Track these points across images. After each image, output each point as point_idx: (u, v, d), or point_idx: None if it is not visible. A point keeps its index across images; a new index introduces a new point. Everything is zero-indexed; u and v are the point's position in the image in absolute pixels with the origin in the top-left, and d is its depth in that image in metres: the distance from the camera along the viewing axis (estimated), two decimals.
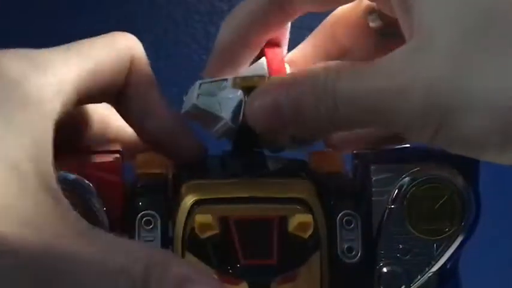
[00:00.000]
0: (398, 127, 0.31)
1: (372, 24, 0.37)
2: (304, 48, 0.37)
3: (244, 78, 0.34)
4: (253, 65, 0.35)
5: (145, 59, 0.35)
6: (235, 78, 0.34)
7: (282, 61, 0.36)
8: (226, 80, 0.34)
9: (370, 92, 0.30)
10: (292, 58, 0.37)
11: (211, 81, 0.35)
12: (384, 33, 0.37)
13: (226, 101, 0.34)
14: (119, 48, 0.34)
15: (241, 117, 0.34)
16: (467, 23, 0.29)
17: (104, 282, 0.28)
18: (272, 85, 0.32)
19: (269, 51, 0.36)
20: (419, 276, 0.35)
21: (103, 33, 0.35)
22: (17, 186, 0.28)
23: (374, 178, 0.36)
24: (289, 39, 0.38)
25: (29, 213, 0.28)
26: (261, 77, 0.34)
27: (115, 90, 0.34)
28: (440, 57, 0.29)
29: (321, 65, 0.32)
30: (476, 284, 0.39)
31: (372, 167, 0.36)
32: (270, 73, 0.35)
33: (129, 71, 0.34)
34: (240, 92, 0.34)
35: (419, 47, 0.29)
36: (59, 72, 0.31)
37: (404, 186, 0.35)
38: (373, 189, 0.35)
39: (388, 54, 0.30)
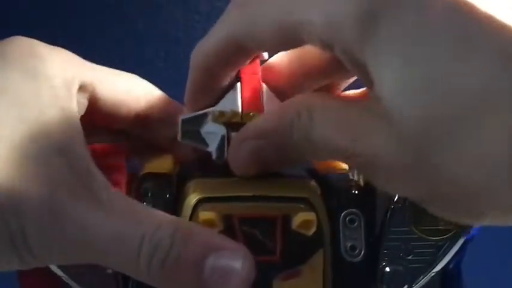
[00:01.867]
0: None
1: None
2: (280, 59, 0.37)
3: (221, 113, 0.35)
4: (229, 93, 0.36)
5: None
6: (214, 112, 0.35)
7: (258, 85, 0.36)
8: (206, 114, 0.35)
9: (341, 153, 0.30)
10: (270, 68, 0.37)
11: (193, 116, 0.35)
12: None
13: (210, 136, 0.35)
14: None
15: (226, 154, 0.35)
16: (428, 102, 0.27)
17: (125, 245, 0.29)
18: (249, 133, 0.33)
19: (244, 76, 0.36)
20: (422, 276, 0.35)
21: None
22: (40, 154, 0.30)
23: None
24: None
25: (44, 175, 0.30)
26: (235, 112, 0.35)
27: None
28: (402, 137, 0.27)
29: (293, 102, 0.32)
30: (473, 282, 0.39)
31: None
32: (243, 105, 0.35)
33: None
34: (222, 128, 0.35)
35: (380, 116, 0.28)
36: (78, 62, 0.34)
37: None
38: (376, 189, 0.35)
39: (355, 106, 0.30)
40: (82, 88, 0.33)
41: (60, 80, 0.32)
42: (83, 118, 0.33)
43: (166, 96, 0.38)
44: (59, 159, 0.30)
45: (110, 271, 0.33)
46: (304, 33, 0.30)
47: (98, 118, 0.35)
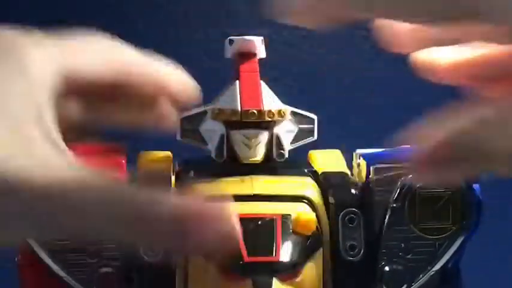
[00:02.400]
0: None
1: None
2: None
3: (221, 110, 0.35)
4: (228, 91, 0.36)
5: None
6: (213, 109, 0.35)
7: (257, 82, 0.36)
8: (205, 112, 0.35)
9: None
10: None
11: (192, 115, 0.35)
12: None
13: (209, 133, 0.35)
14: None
15: (225, 152, 0.35)
16: None
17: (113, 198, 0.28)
18: None
19: (243, 74, 0.36)
20: (421, 275, 0.35)
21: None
22: (24, 147, 0.29)
23: (376, 177, 0.36)
24: None
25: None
26: (235, 110, 0.35)
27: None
28: None
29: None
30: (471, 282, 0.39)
31: (374, 167, 0.36)
32: (242, 103, 0.35)
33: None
34: (221, 126, 0.35)
35: None
36: (55, 53, 0.33)
37: (406, 186, 0.35)
38: (376, 189, 0.35)
39: None
40: (62, 75, 0.33)
41: (39, 71, 0.31)
42: (65, 102, 0.33)
43: (146, 57, 0.36)
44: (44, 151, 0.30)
45: (111, 270, 0.33)
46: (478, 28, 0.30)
47: (81, 97, 0.34)
